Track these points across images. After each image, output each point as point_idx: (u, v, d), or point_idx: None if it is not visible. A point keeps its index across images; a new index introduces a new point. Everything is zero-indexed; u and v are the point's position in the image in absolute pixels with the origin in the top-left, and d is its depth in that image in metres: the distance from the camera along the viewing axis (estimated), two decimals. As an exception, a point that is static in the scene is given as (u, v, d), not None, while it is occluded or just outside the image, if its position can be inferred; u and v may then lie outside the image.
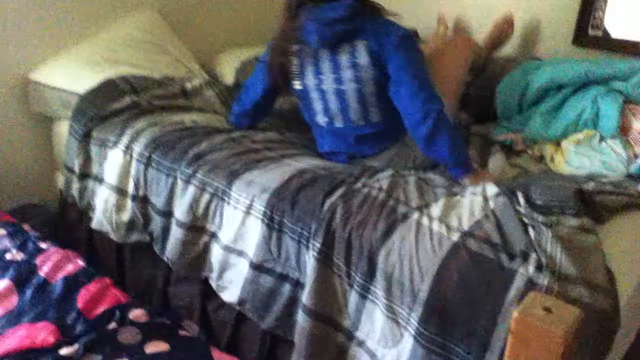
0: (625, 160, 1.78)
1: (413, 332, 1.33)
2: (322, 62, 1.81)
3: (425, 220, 1.43)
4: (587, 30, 2.41)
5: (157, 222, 1.85)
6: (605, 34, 2.39)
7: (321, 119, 1.91)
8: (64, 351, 1.25)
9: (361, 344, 1.47)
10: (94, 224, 2.00)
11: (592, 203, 1.48)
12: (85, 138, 2.02)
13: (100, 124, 2.01)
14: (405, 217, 1.45)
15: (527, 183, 1.60)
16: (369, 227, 1.44)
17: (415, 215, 1.45)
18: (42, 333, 1.28)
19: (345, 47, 1.77)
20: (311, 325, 1.48)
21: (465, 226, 1.40)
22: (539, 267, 1.24)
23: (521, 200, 1.48)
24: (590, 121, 1.87)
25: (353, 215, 1.48)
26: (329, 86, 1.83)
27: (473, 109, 2.31)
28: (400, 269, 1.36)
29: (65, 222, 2.19)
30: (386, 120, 1.85)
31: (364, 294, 1.44)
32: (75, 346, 1.26)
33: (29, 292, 1.38)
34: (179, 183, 1.77)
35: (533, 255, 1.28)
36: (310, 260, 1.48)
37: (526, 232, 1.36)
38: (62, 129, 2.22)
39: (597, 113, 1.87)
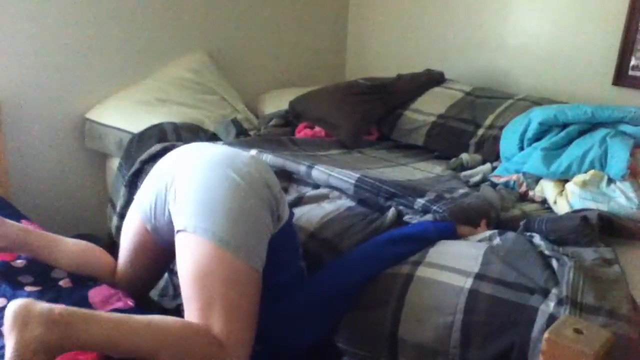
0: (637, 204, 1.63)
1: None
2: None
3: (427, 273, 1.38)
4: (628, 71, 2.40)
5: None
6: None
7: None
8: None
9: None
10: None
11: (610, 227, 1.47)
12: (133, 177, 2.04)
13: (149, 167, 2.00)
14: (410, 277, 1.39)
15: (531, 221, 1.57)
16: (381, 306, 1.38)
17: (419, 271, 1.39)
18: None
19: None
20: None
21: (476, 269, 1.35)
22: (560, 302, 1.23)
23: (535, 235, 1.48)
24: (597, 161, 1.73)
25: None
26: None
27: (486, 151, 2.24)
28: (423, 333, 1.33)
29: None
30: None
31: None
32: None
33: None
34: None
35: (553, 291, 1.27)
36: None
37: (546, 265, 1.35)
38: (115, 165, 2.34)
39: (605, 153, 1.74)
